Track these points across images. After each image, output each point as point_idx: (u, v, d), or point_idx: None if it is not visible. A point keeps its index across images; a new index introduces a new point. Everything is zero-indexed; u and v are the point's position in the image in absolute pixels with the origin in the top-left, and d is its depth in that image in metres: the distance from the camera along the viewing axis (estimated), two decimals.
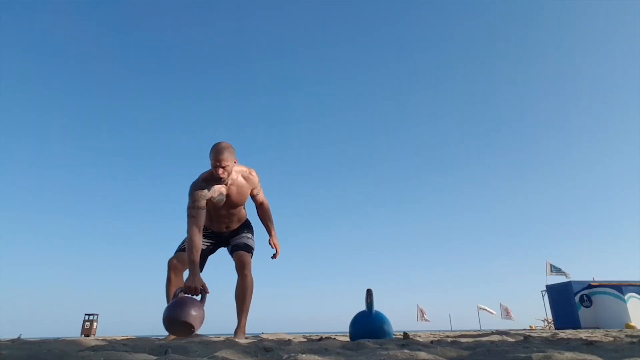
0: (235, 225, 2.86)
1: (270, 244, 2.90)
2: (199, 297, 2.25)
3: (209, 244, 2.81)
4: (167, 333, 2.47)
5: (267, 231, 2.93)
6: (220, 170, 2.48)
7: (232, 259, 2.79)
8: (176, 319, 2.05)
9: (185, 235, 2.48)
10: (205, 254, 2.81)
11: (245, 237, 2.83)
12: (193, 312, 2.06)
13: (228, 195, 2.62)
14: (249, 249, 2.77)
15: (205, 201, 2.51)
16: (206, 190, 2.52)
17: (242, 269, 2.67)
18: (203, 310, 2.16)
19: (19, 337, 2.99)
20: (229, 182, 2.61)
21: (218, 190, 2.57)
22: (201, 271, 2.66)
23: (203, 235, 2.66)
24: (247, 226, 2.93)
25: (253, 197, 2.85)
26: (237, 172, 2.66)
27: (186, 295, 2.23)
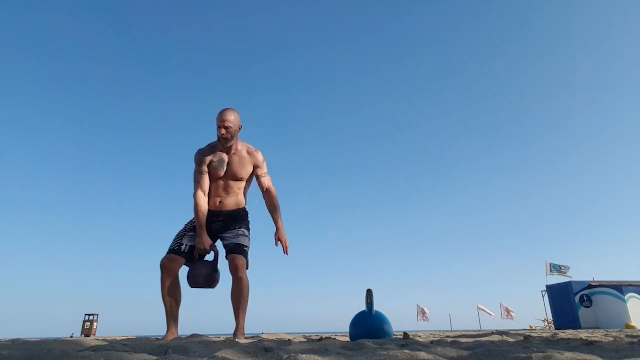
0: (230, 205, 2.71)
1: (275, 238, 2.68)
2: (211, 257, 2.66)
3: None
4: (164, 332, 2.50)
5: (274, 222, 2.73)
6: (223, 130, 2.60)
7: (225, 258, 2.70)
8: (197, 282, 2.59)
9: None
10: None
11: (238, 235, 2.66)
12: (205, 274, 2.59)
13: (229, 164, 2.67)
14: (243, 250, 2.63)
15: (206, 166, 2.66)
16: (209, 153, 2.68)
17: (236, 272, 2.57)
18: (217, 270, 2.63)
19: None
20: (232, 152, 2.70)
21: (219, 155, 2.68)
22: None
23: (193, 229, 2.66)
24: (241, 218, 2.75)
25: (258, 179, 2.78)
26: (243, 145, 2.76)
27: (199, 258, 2.65)
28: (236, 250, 2.60)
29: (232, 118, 2.62)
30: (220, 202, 2.70)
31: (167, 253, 2.60)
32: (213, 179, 2.69)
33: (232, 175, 2.69)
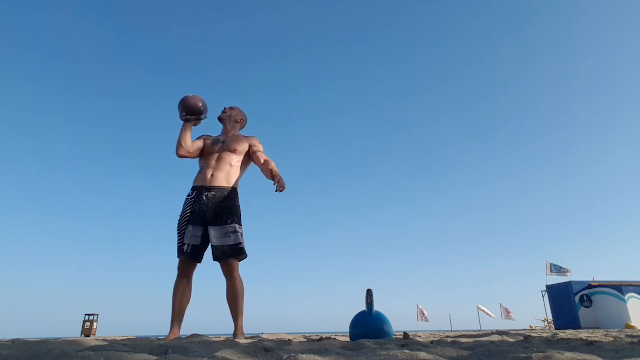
0: (220, 179, 2.71)
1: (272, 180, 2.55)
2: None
3: (198, 237, 2.63)
4: (166, 333, 2.50)
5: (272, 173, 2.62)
6: (227, 110, 3.01)
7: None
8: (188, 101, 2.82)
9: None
10: (200, 250, 2.65)
11: (228, 233, 2.60)
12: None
13: (224, 141, 2.89)
14: (235, 250, 2.60)
15: (201, 139, 2.91)
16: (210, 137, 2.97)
17: (229, 273, 2.58)
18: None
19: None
20: (229, 133, 2.97)
21: (218, 137, 2.96)
22: (199, 262, 2.69)
23: (188, 221, 2.65)
24: (231, 208, 2.68)
25: (254, 155, 2.80)
26: (240, 131, 3.07)
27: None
28: (227, 254, 2.59)
29: (238, 109, 3.08)
30: (212, 175, 2.73)
31: (180, 255, 2.65)
32: (208, 153, 2.84)
33: (226, 147, 2.83)
